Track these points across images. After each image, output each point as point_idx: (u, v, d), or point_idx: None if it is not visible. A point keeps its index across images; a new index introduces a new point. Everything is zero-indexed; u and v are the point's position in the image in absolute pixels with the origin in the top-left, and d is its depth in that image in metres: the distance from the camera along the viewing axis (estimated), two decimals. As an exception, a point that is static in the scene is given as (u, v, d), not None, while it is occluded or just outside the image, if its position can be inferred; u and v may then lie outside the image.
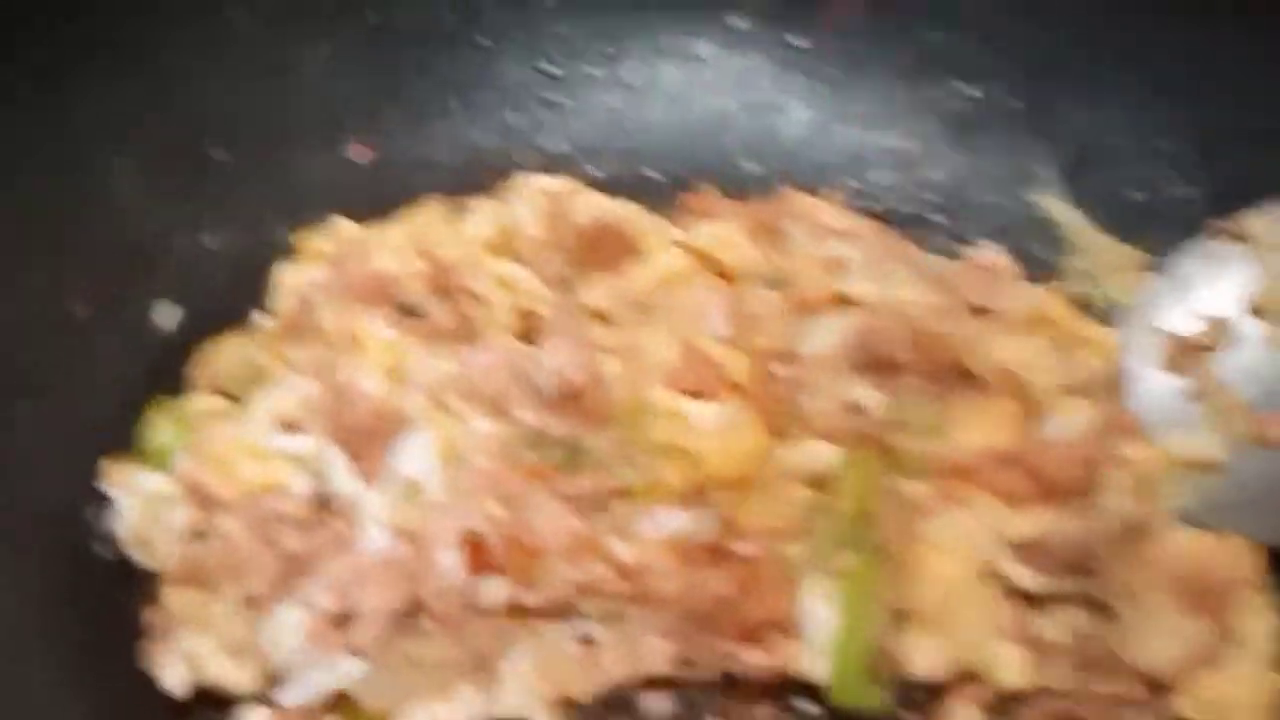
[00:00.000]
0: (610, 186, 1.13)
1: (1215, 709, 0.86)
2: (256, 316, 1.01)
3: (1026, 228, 1.15)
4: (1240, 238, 1.05)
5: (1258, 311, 1.03)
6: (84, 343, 1.00)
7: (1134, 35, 1.14)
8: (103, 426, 0.97)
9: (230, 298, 1.04)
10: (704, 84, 1.22)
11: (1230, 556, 0.91)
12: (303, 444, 0.89)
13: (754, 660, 0.87)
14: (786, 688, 0.88)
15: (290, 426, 0.91)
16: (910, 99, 1.20)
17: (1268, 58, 1.09)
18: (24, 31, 1.02)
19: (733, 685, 0.88)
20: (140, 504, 0.90)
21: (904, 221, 1.16)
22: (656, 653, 0.87)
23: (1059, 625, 0.88)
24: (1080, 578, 0.88)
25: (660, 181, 1.18)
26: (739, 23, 1.22)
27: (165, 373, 1.00)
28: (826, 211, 1.09)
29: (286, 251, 1.06)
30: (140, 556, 0.90)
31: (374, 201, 1.10)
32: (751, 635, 0.88)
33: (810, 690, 0.88)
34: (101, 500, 0.93)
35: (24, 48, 1.02)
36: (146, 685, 0.86)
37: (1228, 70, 1.10)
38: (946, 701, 0.87)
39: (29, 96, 1.03)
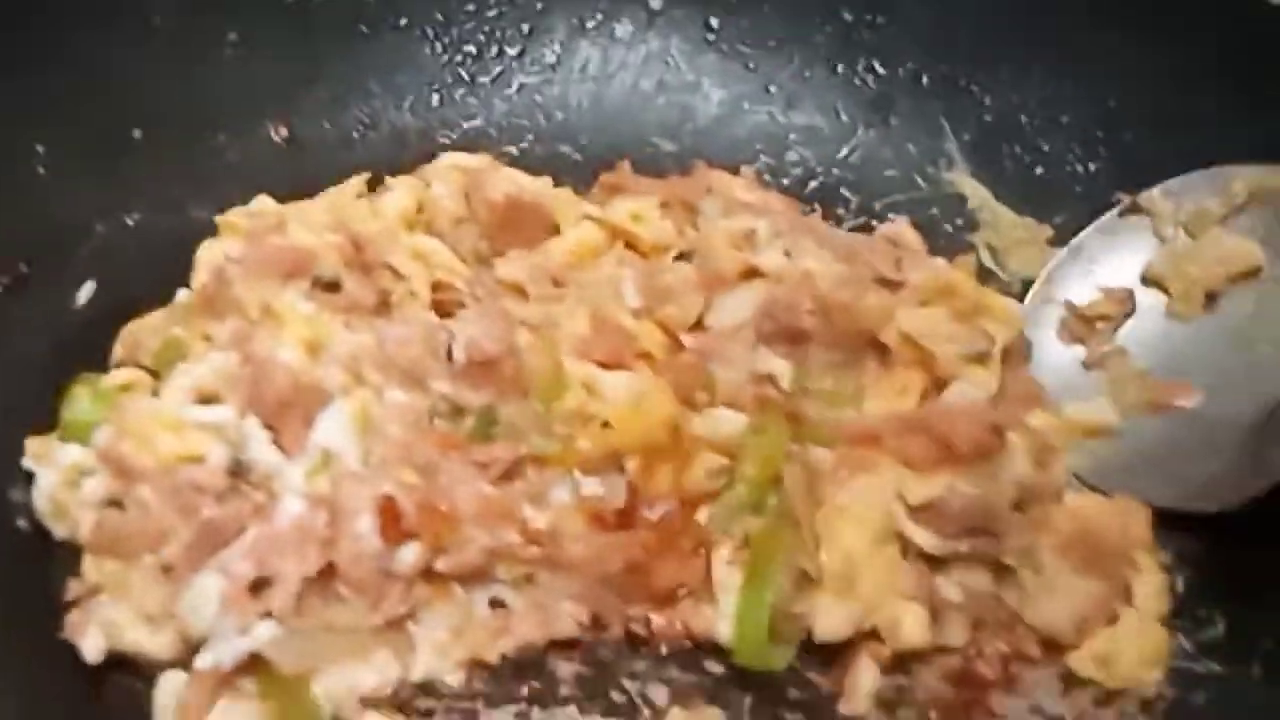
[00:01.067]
0: (528, 164, 1.16)
1: (1107, 664, 0.89)
2: (178, 294, 1.01)
3: (935, 203, 1.18)
4: (1140, 212, 1.09)
5: (1154, 283, 1.07)
6: (5, 322, 1.01)
7: (1041, 16, 1.17)
8: (26, 404, 0.97)
9: (151, 276, 1.04)
10: (622, 63, 1.25)
11: (1122, 518, 0.95)
12: (221, 415, 0.91)
13: (662, 623, 0.90)
14: (695, 649, 0.90)
15: (209, 399, 0.92)
16: (823, 78, 1.23)
17: (1170, 40, 1.12)
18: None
19: (642, 647, 0.91)
20: (59, 476, 0.91)
21: (816, 197, 1.19)
22: (567, 616, 0.89)
23: (959, 586, 0.91)
24: (979, 539, 0.91)
25: (577, 160, 1.20)
26: (656, 3, 1.24)
27: (88, 350, 1.00)
28: (739, 186, 1.12)
29: (207, 230, 1.06)
30: (59, 528, 0.91)
31: (294, 181, 1.11)
32: (660, 599, 0.90)
33: (718, 650, 0.90)
34: (26, 478, 0.94)
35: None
36: (68, 655, 0.86)
37: (1131, 51, 1.14)
38: (849, 660, 0.90)
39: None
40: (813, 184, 1.20)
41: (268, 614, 0.84)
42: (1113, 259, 1.08)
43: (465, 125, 1.22)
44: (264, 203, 1.06)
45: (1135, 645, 0.90)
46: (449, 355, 0.94)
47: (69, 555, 0.91)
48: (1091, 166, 1.15)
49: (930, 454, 0.93)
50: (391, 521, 0.86)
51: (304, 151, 1.18)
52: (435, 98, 1.22)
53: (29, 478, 0.93)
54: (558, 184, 1.12)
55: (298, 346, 0.93)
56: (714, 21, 1.24)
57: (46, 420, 0.95)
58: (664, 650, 0.91)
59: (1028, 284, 1.11)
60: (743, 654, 0.89)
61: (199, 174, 1.13)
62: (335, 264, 0.98)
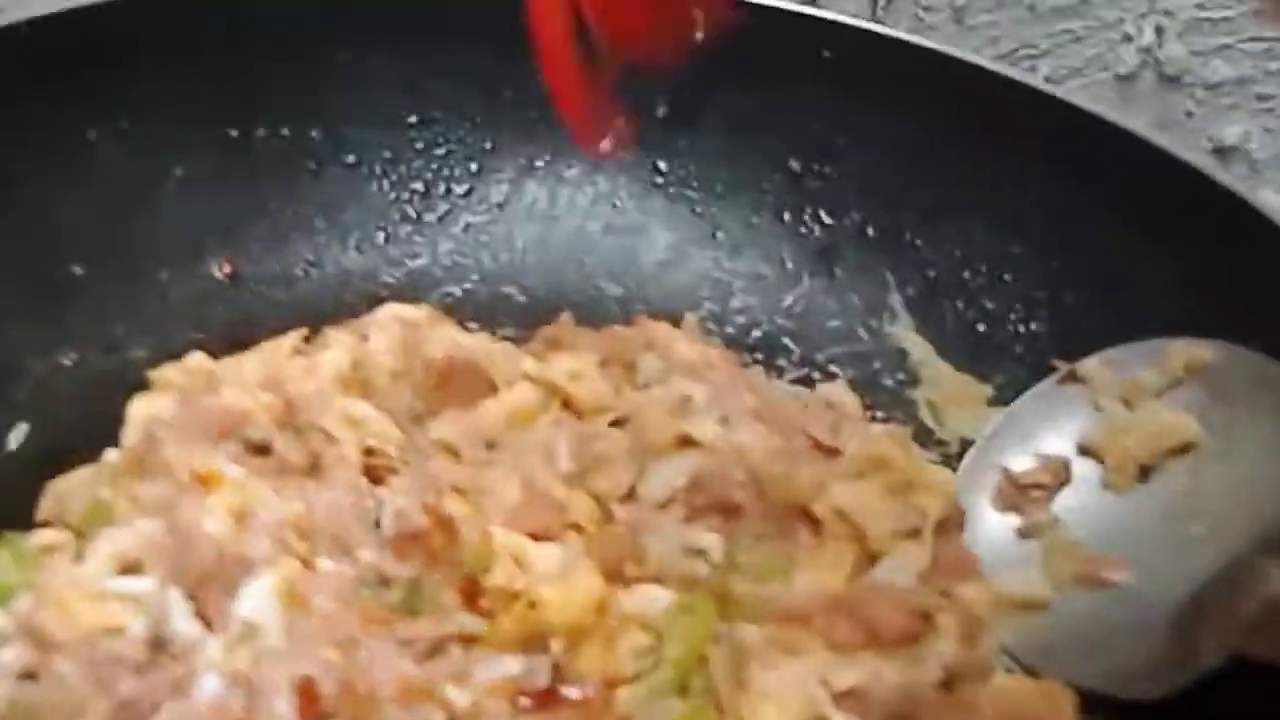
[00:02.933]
0: (472, 305, 1.16)
1: None
2: (106, 453, 1.01)
3: (878, 356, 1.19)
4: (1079, 380, 1.09)
5: (1091, 453, 1.07)
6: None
7: (989, 175, 1.18)
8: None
9: (87, 419, 1.04)
10: (569, 204, 1.25)
11: (1049, 701, 0.94)
12: (143, 585, 0.90)
13: (583, 806, 0.89)
14: (615, 833, 0.90)
15: (132, 567, 0.91)
16: (770, 226, 1.24)
17: (1117, 208, 1.13)
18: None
19: (563, 831, 0.90)
20: (-24, 643, 0.90)
21: (759, 345, 1.19)
22: (486, 797, 0.89)
23: (882, 772, 0.91)
24: (903, 725, 0.91)
25: (521, 301, 1.21)
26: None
27: (18, 496, 1.00)
28: (680, 341, 1.12)
29: (143, 373, 1.06)
30: (-27, 699, 0.90)
31: (236, 319, 1.12)
32: (582, 782, 0.89)
33: (638, 837, 0.89)
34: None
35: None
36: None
37: (1079, 216, 1.15)
38: None
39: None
40: (756, 333, 1.20)
41: (181, 798, 0.83)
42: (1050, 427, 1.08)
43: (410, 264, 1.22)
44: (197, 359, 1.05)
45: (1052, 838, 0.90)
46: (377, 524, 0.93)
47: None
48: (1033, 326, 1.16)
49: (856, 637, 0.92)
50: (310, 702, 0.85)
51: (246, 289, 1.18)
52: (381, 235, 1.22)
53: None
54: (500, 326, 1.12)
55: (224, 514, 0.92)
56: (662, 165, 1.24)
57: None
58: (584, 835, 0.90)
59: (966, 443, 1.11)
60: (663, 840, 0.88)
61: (140, 312, 1.13)
62: (267, 425, 0.98)
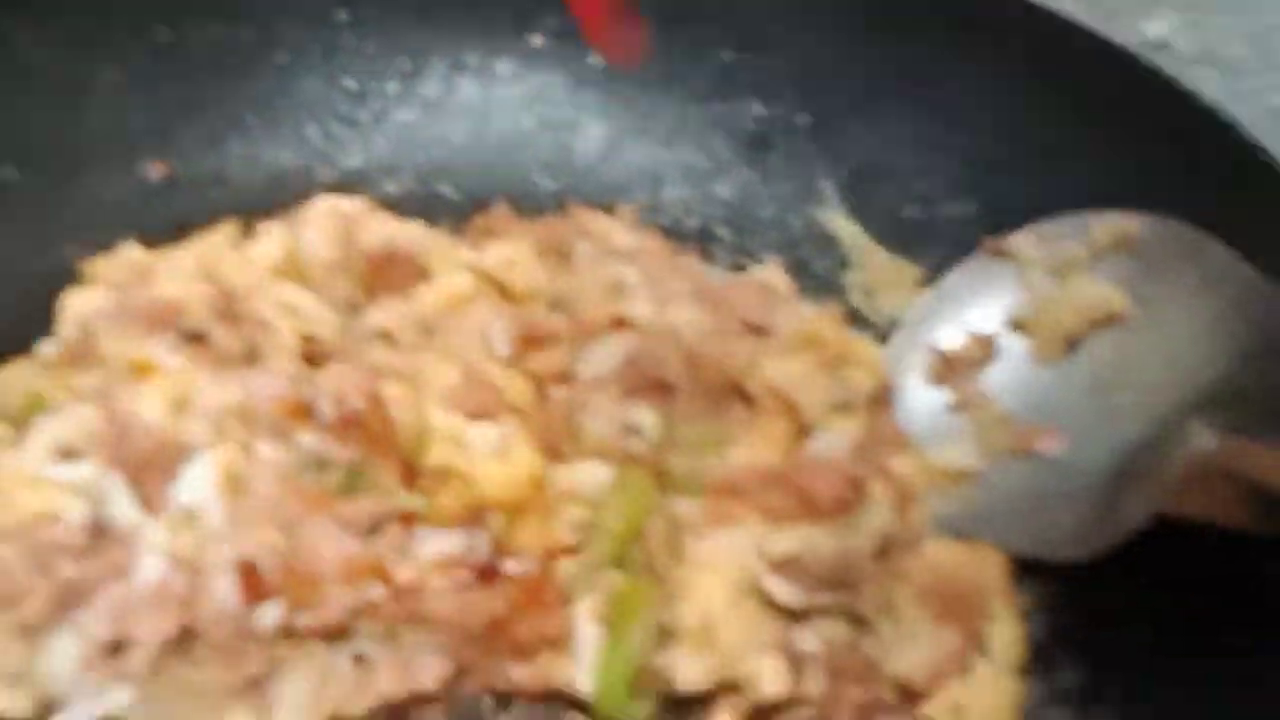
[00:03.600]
0: (406, 202, 1.16)
1: (959, 714, 0.91)
2: (40, 345, 1.01)
3: (808, 242, 1.20)
4: (1006, 256, 1.11)
5: (1019, 327, 1.09)
6: None
7: (915, 62, 1.19)
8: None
9: (19, 322, 1.05)
10: (502, 101, 1.25)
11: (980, 566, 0.97)
12: (82, 472, 0.91)
13: (525, 676, 0.91)
14: (557, 701, 0.91)
15: (70, 454, 0.92)
16: (702, 117, 1.24)
17: (1041, 86, 1.15)
18: None
19: (504, 699, 0.91)
20: (-87, 534, 0.91)
21: (692, 235, 1.20)
22: (429, 670, 0.90)
23: (817, 637, 0.92)
24: (838, 592, 0.92)
25: (455, 199, 1.21)
26: (537, 41, 1.25)
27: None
28: (614, 229, 1.13)
29: (78, 275, 1.07)
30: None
31: (169, 220, 1.12)
32: (523, 652, 0.91)
33: (579, 705, 0.91)
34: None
35: None
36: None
37: (1002, 96, 1.16)
38: (709, 712, 0.91)
39: None
40: (689, 222, 1.22)
41: (124, 675, 0.84)
42: (978, 302, 1.10)
43: (345, 163, 1.22)
44: (131, 251, 1.05)
45: (988, 695, 0.92)
46: (315, 409, 0.94)
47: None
48: (962, 208, 1.17)
49: (791, 507, 0.94)
50: (253, 583, 0.87)
51: (181, 190, 1.18)
52: (315, 135, 1.22)
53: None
54: (434, 224, 1.13)
55: (162, 402, 0.93)
56: (593, 60, 1.24)
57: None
58: (525, 704, 0.92)
59: (894, 326, 1.13)
60: (604, 707, 0.90)
61: (74, 213, 1.13)
62: (203, 315, 0.98)
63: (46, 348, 1.01)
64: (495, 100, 1.25)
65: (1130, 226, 1.07)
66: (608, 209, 1.17)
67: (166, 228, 1.10)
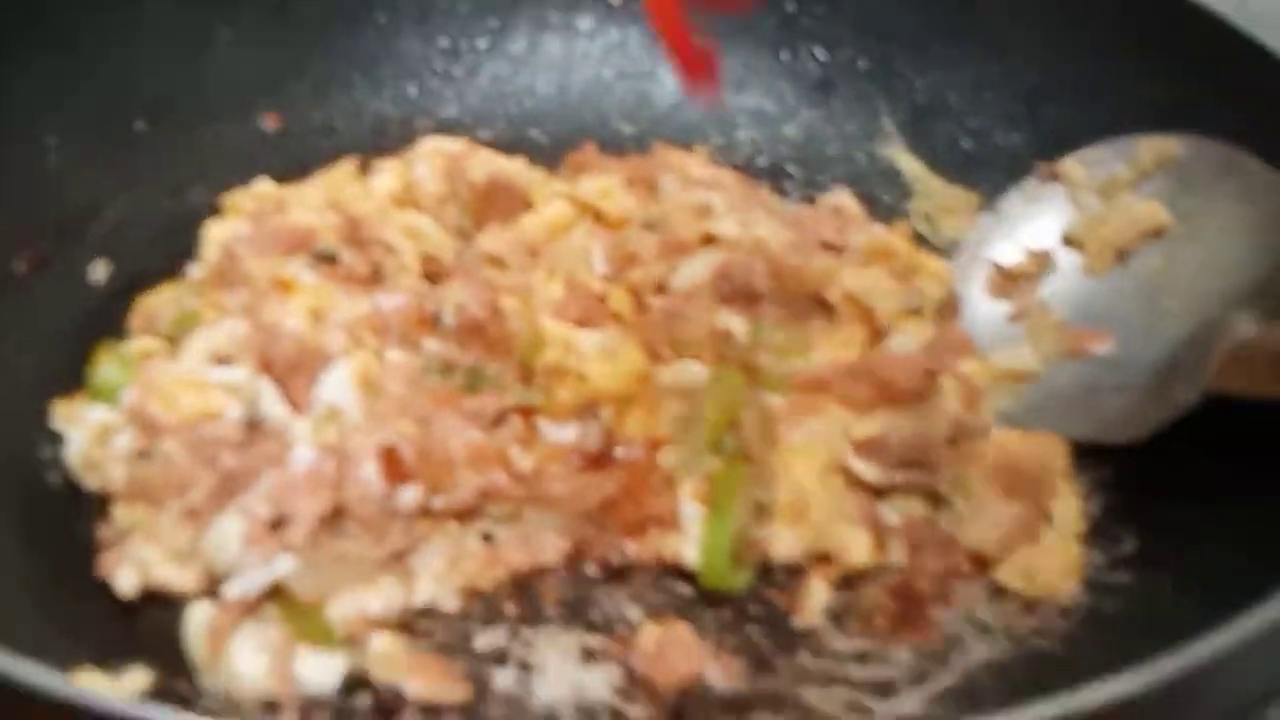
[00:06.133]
0: (501, 148, 1.26)
1: (1029, 576, 1.00)
2: (188, 268, 1.12)
3: (873, 176, 1.30)
4: (1058, 179, 1.20)
5: (1071, 243, 1.18)
6: (27, 297, 1.11)
7: (964, 5, 1.29)
8: (49, 373, 1.06)
9: (158, 254, 1.15)
10: (583, 54, 1.36)
11: (1042, 451, 1.05)
12: (236, 375, 1.00)
13: (636, 551, 1.00)
14: (665, 573, 1.01)
15: (223, 360, 1.02)
16: (769, 64, 1.34)
17: (1082, 24, 1.24)
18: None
19: (618, 572, 1.01)
20: (89, 433, 1.00)
21: (764, 173, 1.30)
22: (550, 546, 0.99)
23: (898, 512, 1.02)
24: (916, 471, 1.01)
25: (545, 143, 1.31)
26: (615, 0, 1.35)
27: (106, 322, 1.10)
28: (694, 164, 1.22)
29: (207, 213, 1.17)
30: (90, 480, 1.01)
31: (285, 167, 1.22)
32: (634, 530, 1.00)
33: (685, 574, 1.00)
34: (53, 439, 1.03)
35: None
36: (103, 592, 0.96)
37: (1050, 32, 1.26)
38: (802, 580, 1.00)
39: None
40: (760, 161, 1.32)
41: (285, 548, 0.94)
42: (1033, 222, 1.19)
43: (440, 114, 1.33)
44: (264, 185, 1.16)
45: (1054, 560, 1.01)
46: (439, 319, 1.04)
47: (97, 505, 1.00)
48: (1014, 138, 1.27)
49: (871, 397, 1.03)
50: (393, 467, 0.96)
51: (293, 139, 1.28)
52: (413, 89, 1.33)
53: (55, 439, 1.03)
54: (529, 165, 1.23)
55: (302, 314, 1.03)
56: (668, 14, 1.34)
57: (68, 387, 1.05)
58: (637, 575, 1.01)
59: (956, 246, 1.22)
60: (708, 577, 0.99)
61: (198, 161, 1.23)
62: (333, 240, 1.08)
63: (193, 272, 1.11)
64: (577, 53, 1.35)
65: (1171, 147, 1.16)
66: (685, 150, 1.26)
67: (283, 174, 1.20)
